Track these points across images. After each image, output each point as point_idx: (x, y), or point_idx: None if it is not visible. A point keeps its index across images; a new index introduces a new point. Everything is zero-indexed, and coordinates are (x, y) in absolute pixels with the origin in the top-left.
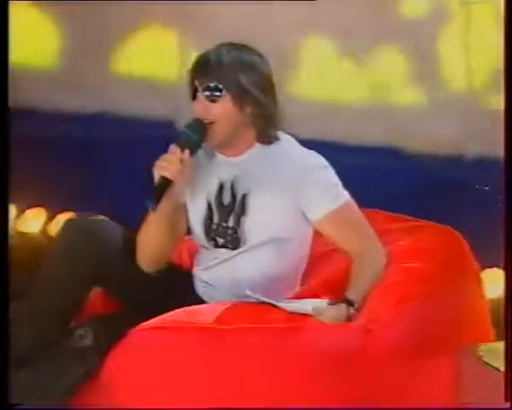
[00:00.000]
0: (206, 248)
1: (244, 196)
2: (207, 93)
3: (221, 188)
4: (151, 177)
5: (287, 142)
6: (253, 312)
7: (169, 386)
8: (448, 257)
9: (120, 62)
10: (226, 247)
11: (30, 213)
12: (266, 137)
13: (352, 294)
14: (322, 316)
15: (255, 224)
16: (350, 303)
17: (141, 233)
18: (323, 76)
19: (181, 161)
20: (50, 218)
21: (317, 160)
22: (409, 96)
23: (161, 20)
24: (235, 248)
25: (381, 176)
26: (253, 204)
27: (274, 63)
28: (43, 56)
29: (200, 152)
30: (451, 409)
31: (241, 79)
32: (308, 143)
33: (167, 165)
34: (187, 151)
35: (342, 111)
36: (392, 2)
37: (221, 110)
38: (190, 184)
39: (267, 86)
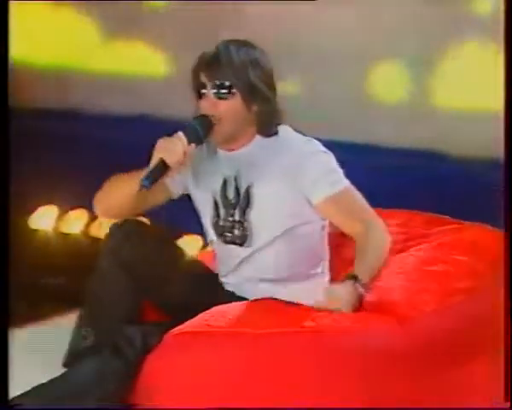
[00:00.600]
0: (219, 246)
1: (248, 189)
2: (217, 90)
3: (225, 183)
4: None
5: (285, 131)
6: (284, 312)
7: (204, 390)
8: (493, 255)
9: (164, 63)
10: (234, 242)
11: (72, 214)
12: (268, 131)
13: (356, 271)
14: (332, 299)
15: (261, 215)
16: (355, 278)
17: (113, 181)
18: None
19: (184, 152)
20: (92, 219)
21: (314, 145)
22: (454, 98)
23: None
24: (243, 242)
25: (426, 179)
26: (256, 196)
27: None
28: (89, 58)
29: (203, 148)
30: (449, 409)
31: (250, 77)
32: (351, 146)
33: (171, 151)
34: (193, 145)
35: (386, 113)
36: None
37: (229, 107)
38: (196, 182)
39: (271, 82)
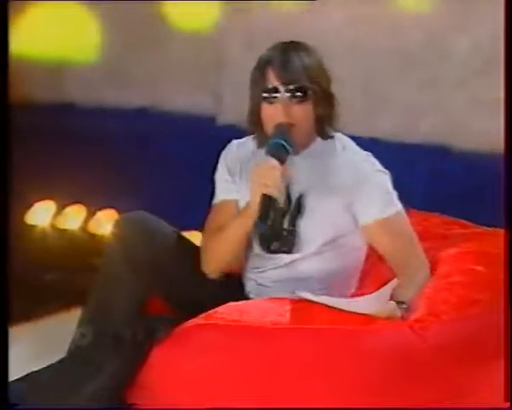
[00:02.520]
0: (259, 255)
1: (300, 197)
2: (292, 94)
3: None
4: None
5: (341, 139)
6: (301, 310)
7: (214, 384)
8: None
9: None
10: (281, 250)
11: (70, 209)
12: (328, 133)
13: (400, 297)
14: (371, 306)
15: (311, 225)
16: (401, 303)
17: (217, 240)
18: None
19: (281, 175)
20: (90, 215)
21: (373, 164)
22: (460, 90)
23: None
24: (289, 250)
25: (430, 174)
26: (309, 205)
27: None
28: (85, 51)
29: (249, 155)
30: (452, 409)
31: (322, 81)
32: (355, 140)
33: (271, 184)
34: (285, 164)
35: (390, 107)
36: None
37: (303, 112)
38: (245, 190)
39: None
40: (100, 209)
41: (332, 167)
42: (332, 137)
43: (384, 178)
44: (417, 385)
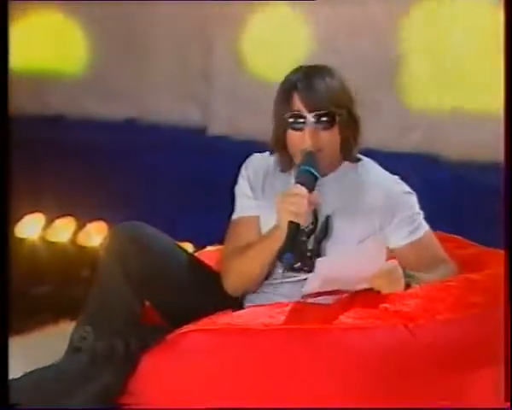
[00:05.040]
0: (277, 266)
1: (327, 219)
2: (320, 121)
3: None
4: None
5: (368, 163)
6: (293, 311)
7: (205, 388)
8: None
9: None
10: (302, 270)
11: (59, 222)
12: (355, 156)
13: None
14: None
15: (336, 247)
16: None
17: (241, 261)
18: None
19: (309, 202)
20: (80, 227)
21: (402, 186)
22: (446, 100)
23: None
24: (310, 270)
25: (416, 184)
26: (336, 227)
27: None
28: (72, 63)
29: (271, 172)
30: (452, 409)
31: (348, 105)
32: None
33: (299, 213)
34: (314, 192)
35: (373, 116)
36: None
37: (330, 138)
38: (267, 205)
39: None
40: (89, 221)
41: (360, 190)
42: (359, 159)
43: (413, 200)
44: (411, 384)
